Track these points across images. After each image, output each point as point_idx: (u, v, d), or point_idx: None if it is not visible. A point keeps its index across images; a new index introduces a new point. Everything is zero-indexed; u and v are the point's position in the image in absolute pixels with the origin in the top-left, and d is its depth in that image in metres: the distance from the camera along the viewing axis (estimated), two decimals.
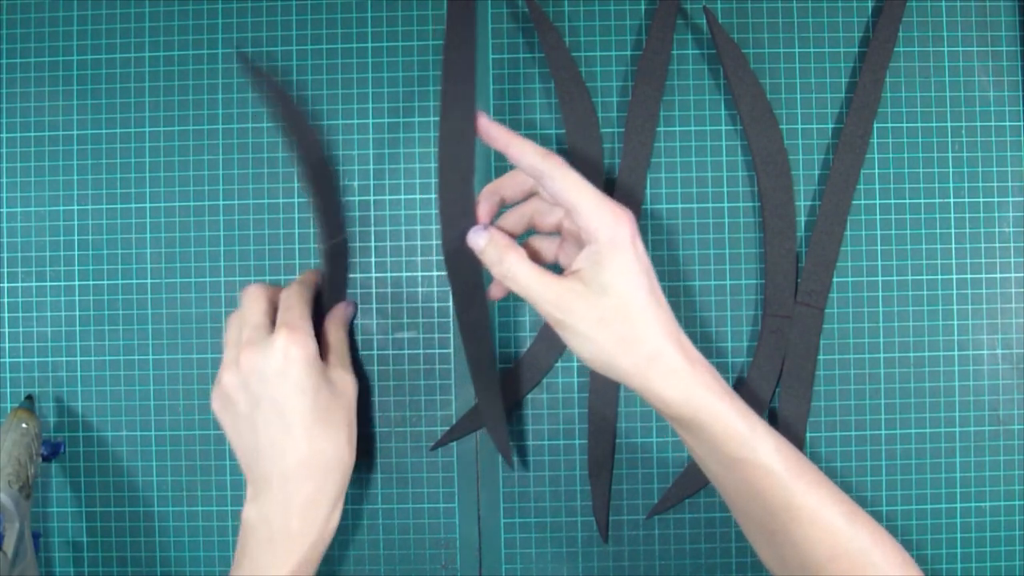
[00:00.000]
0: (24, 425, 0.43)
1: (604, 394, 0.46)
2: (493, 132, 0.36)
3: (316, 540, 0.39)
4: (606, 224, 0.34)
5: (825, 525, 0.34)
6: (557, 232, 0.40)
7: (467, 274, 0.38)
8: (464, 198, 0.37)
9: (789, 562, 0.35)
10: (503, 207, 0.39)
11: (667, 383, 0.34)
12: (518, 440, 0.47)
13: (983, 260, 0.46)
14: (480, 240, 0.37)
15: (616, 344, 0.34)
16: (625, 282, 0.34)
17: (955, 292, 0.46)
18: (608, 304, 0.34)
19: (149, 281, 0.47)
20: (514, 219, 0.40)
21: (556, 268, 0.38)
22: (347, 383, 0.42)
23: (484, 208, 0.38)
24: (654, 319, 0.34)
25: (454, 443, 0.47)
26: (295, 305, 0.41)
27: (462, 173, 0.36)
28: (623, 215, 0.34)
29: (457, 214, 0.37)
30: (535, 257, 0.40)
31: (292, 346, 0.38)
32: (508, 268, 0.36)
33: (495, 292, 0.41)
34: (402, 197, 0.47)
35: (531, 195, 0.39)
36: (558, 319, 0.35)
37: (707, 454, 0.35)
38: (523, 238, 0.40)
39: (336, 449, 0.40)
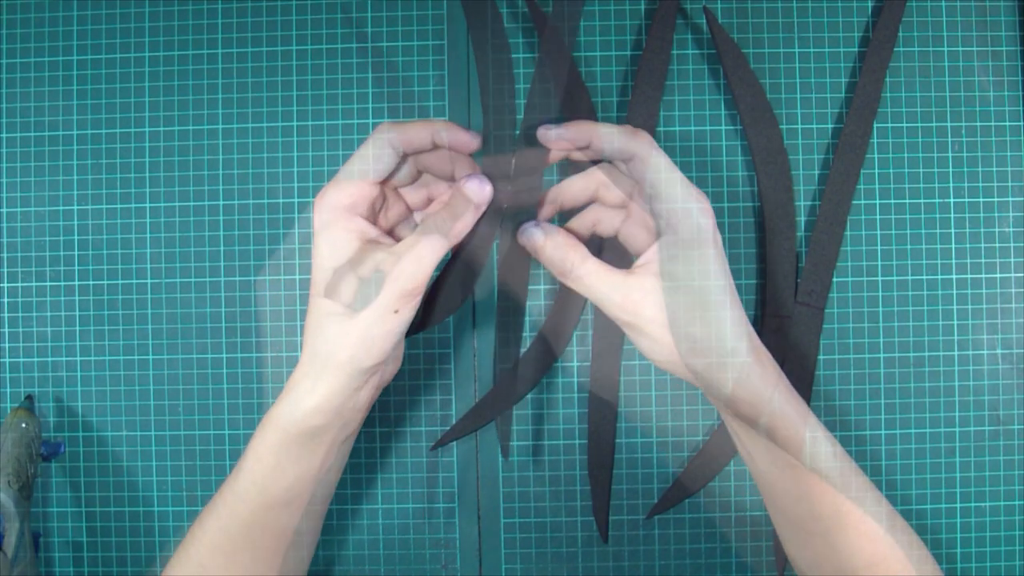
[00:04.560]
0: (24, 425, 0.43)
1: (604, 394, 0.46)
2: (567, 134, 0.33)
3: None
4: (691, 213, 0.32)
5: (869, 531, 0.34)
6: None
7: (515, 273, 0.36)
8: (530, 200, 0.34)
9: (823, 565, 0.35)
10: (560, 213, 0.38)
11: (738, 383, 0.33)
12: (519, 440, 0.47)
13: (983, 260, 0.46)
14: (538, 237, 0.34)
15: (689, 346, 0.32)
16: (703, 278, 0.32)
17: (955, 292, 0.46)
18: (682, 302, 0.32)
19: (149, 281, 0.47)
20: (575, 227, 0.37)
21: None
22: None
23: (545, 212, 0.36)
24: (729, 318, 0.33)
25: (454, 443, 0.47)
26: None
27: (533, 180, 0.34)
28: (708, 205, 0.33)
29: (522, 213, 0.34)
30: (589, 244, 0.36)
31: (315, 215, 0.33)
32: (572, 268, 0.33)
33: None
34: None
35: (589, 204, 0.37)
36: (626, 321, 0.33)
37: (762, 454, 0.34)
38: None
39: (327, 344, 0.33)
